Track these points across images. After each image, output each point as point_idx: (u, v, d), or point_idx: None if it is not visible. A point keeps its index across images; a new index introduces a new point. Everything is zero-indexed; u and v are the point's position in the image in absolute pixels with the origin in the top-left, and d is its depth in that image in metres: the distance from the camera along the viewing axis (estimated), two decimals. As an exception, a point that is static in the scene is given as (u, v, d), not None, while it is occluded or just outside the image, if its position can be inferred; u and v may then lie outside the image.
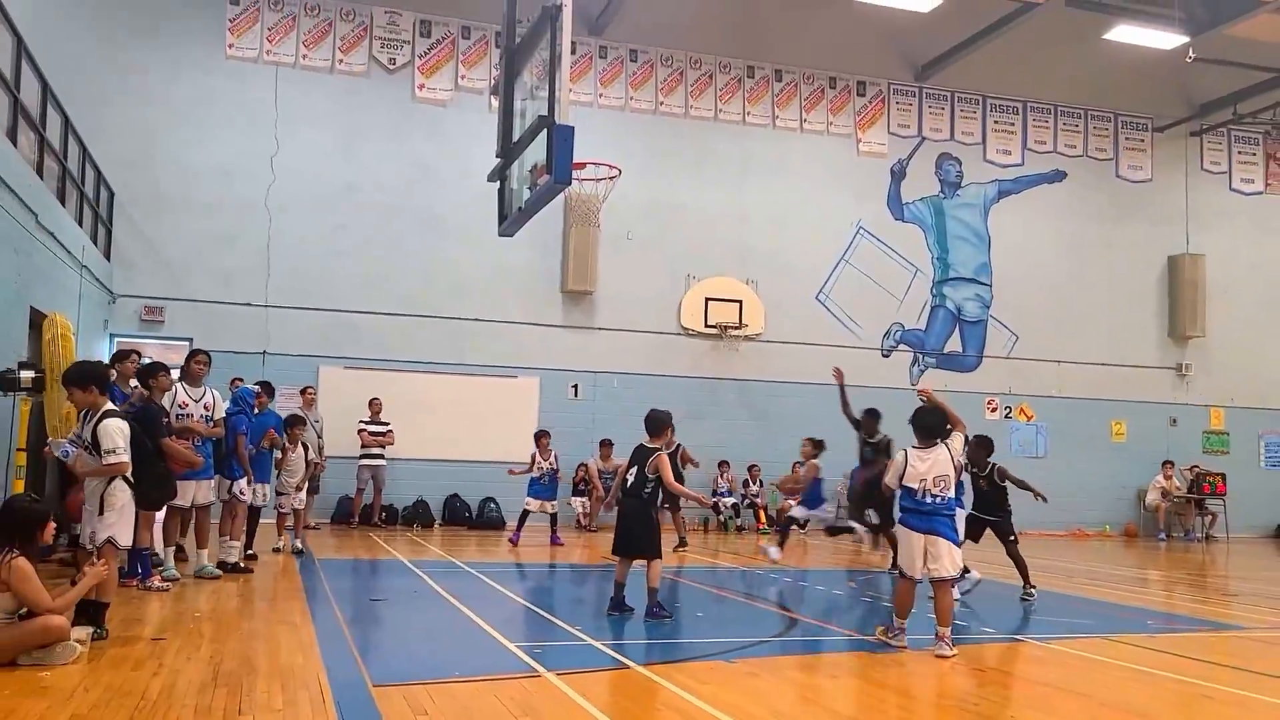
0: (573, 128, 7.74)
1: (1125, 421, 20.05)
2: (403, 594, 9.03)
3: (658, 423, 7.97)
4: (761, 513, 17.41)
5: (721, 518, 17.36)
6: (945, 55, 18.86)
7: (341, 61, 16.94)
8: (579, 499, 16.70)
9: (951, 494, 6.80)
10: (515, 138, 9.04)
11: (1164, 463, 19.72)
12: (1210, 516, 19.82)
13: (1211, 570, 14.15)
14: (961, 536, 8.06)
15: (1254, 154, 21.46)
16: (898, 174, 19.36)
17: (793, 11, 18.52)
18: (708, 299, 18.01)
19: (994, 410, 19.50)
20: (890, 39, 19.05)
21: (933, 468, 6.75)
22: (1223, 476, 19.80)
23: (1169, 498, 19.50)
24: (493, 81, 16.41)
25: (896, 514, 7.15)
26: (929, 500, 6.74)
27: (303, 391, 14.65)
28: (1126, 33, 17.32)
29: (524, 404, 17.17)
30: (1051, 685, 6.10)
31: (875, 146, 19.26)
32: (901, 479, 6.83)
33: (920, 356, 19.23)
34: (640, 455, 7.89)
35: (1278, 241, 21.33)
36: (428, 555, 12.16)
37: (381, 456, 15.77)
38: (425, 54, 17.32)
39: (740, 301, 18.06)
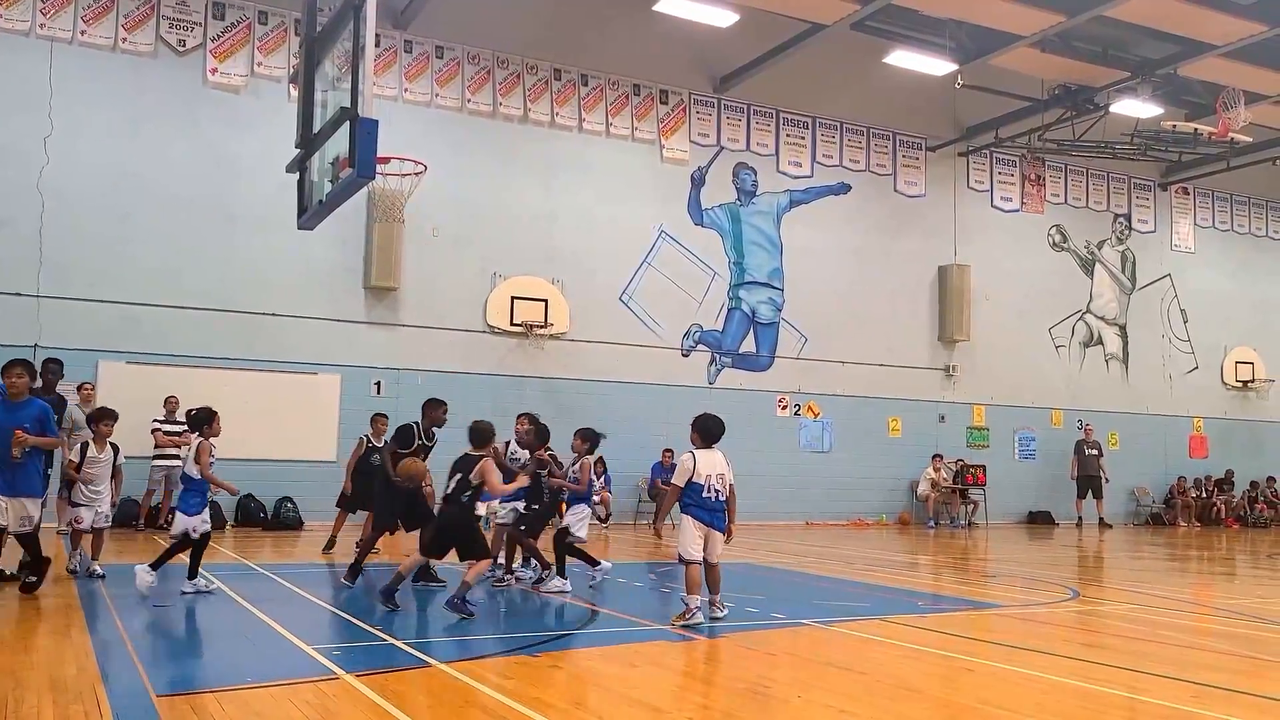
0: (376, 121, 7.49)
1: (900, 418, 21.33)
2: (190, 599, 8.52)
3: (482, 434, 8.11)
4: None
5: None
6: (742, 69, 19.52)
7: (125, 40, 15.81)
8: (381, 497, 16.23)
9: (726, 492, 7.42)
10: (316, 129, 8.68)
11: (933, 456, 21.12)
12: (973, 505, 21.38)
13: (973, 554, 15.24)
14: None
15: (1012, 175, 23.28)
16: (698, 181, 19.87)
17: (598, 18, 18.69)
18: (514, 297, 17.92)
19: (785, 408, 20.32)
20: (691, 51, 19.55)
21: (714, 466, 7.34)
22: (983, 468, 21.41)
23: (937, 488, 20.90)
24: (292, 70, 15.72)
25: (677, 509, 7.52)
26: (713, 497, 7.35)
27: (79, 388, 13.61)
28: (903, 58, 18.44)
29: (325, 401, 16.57)
30: (833, 664, 6.42)
31: (677, 153, 19.69)
32: (690, 478, 7.34)
33: (718, 356, 19.81)
34: (464, 464, 7.95)
35: (1032, 254, 23.24)
36: (219, 558, 11.52)
37: (177, 457, 14.84)
38: (218, 37, 16.41)
39: (546, 300, 18.07)
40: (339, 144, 7.87)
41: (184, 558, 8.52)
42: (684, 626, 7.11)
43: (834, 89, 20.87)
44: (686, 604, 7.31)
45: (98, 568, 9.04)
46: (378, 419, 12.91)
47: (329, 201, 8.50)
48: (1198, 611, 9.28)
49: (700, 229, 19.87)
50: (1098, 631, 8.16)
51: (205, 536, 8.48)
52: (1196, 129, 20.22)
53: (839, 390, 20.80)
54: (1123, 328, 24.22)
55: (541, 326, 17.96)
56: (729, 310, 20.04)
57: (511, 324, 17.87)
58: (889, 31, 18.56)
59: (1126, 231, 24.54)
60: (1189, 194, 25.35)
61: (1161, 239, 24.96)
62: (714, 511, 7.34)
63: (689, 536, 7.31)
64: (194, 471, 8.38)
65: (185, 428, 14.94)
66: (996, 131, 21.80)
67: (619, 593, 9.92)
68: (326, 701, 4.98)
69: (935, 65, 18.50)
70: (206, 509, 8.49)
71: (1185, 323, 24.88)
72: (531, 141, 18.45)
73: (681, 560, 7.44)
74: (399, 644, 6.48)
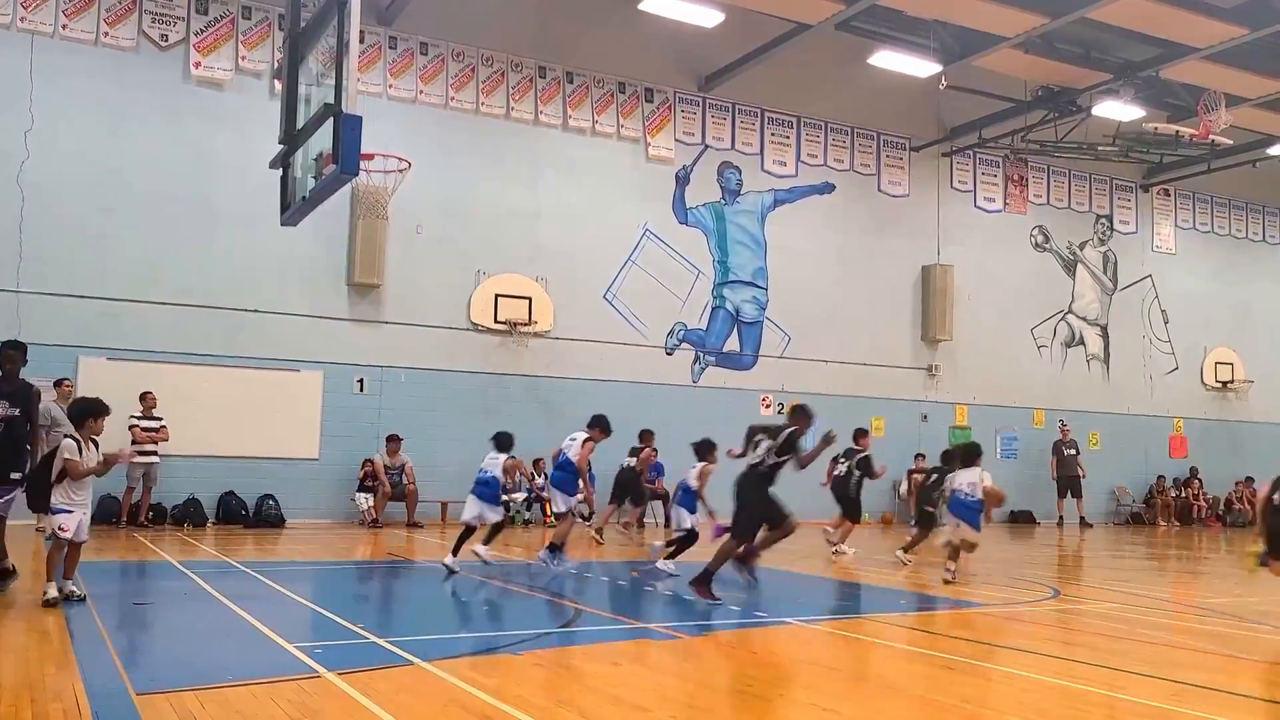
0: (360, 117, 7.46)
1: (884, 418, 21.39)
2: (171, 597, 8.47)
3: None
4: (548, 506, 17.43)
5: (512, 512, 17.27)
6: (727, 69, 19.53)
7: (107, 35, 15.68)
8: (364, 495, 16.19)
9: None
10: (299, 125, 8.64)
11: (916, 455, 21.19)
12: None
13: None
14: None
15: (995, 176, 23.39)
16: (682, 179, 19.88)
17: (583, 17, 18.67)
18: (498, 295, 17.88)
19: (768, 407, 20.35)
20: (676, 50, 19.54)
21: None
22: (965, 467, 21.50)
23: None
24: (275, 65, 15.62)
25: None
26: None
27: (58, 384, 13.49)
28: (887, 58, 18.48)
29: (306, 398, 16.50)
30: (816, 663, 6.44)
31: (662, 152, 19.69)
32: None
33: (701, 355, 19.83)
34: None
35: (1014, 255, 23.35)
36: (200, 555, 11.46)
37: (155, 453, 14.77)
38: (202, 32, 16.29)
39: (530, 298, 18.04)
40: (323, 140, 7.83)
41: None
42: (668, 626, 7.09)
43: (819, 89, 20.91)
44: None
45: (75, 588, 7.66)
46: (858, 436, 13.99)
47: (312, 198, 8.46)
48: (1176, 610, 9.35)
49: (684, 228, 19.88)
50: (1078, 630, 8.22)
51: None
52: (1178, 131, 20.36)
53: (822, 389, 20.81)
54: (1104, 328, 24.37)
55: (525, 324, 17.93)
56: (713, 309, 20.06)
57: (495, 321, 17.83)
58: (873, 32, 18.60)
59: (1108, 232, 24.69)
60: (1170, 196, 25.52)
61: (1143, 240, 25.13)
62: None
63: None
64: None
65: (162, 423, 14.95)
66: (980, 132, 21.89)
67: (601, 591, 9.92)
68: (308, 699, 4.97)
69: (919, 66, 18.56)
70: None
71: (1166, 323, 25.06)
72: (516, 139, 18.41)
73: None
74: (381, 642, 6.46)
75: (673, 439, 18.66)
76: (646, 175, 19.52)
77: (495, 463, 10.79)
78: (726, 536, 9.01)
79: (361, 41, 14.61)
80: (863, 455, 13.72)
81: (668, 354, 19.51)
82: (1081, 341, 24.00)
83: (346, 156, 7.40)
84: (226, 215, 16.03)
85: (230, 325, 16.06)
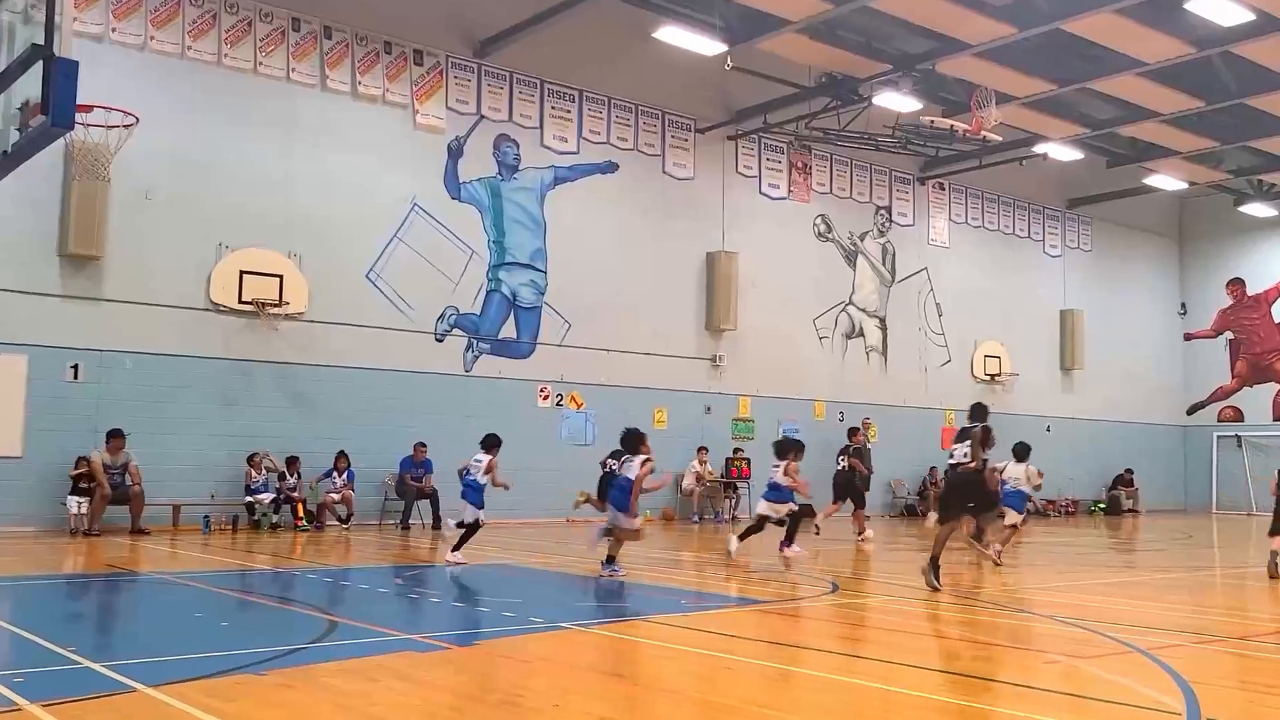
0: (76, 63, 6.94)
1: (666, 409, 21.92)
2: None
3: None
4: (300, 507, 16.77)
5: (256, 517, 16.52)
6: (506, 33, 19.36)
7: None
8: (77, 499, 14.99)
9: None
10: (1, 67, 7.93)
11: (699, 449, 21.86)
12: (735, 498, 22.29)
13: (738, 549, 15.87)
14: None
15: (780, 162, 24.41)
16: (455, 151, 19.56)
17: (346, -35, 18.02)
18: (243, 271, 16.99)
19: (546, 398, 20.41)
20: (449, 9, 19.20)
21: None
22: (748, 461, 22.36)
23: (703, 482, 21.65)
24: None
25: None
26: None
27: None
28: (673, 34, 18.85)
29: (8, 386, 15.10)
30: (593, 669, 6.50)
31: (433, 120, 19.29)
32: None
33: (474, 342, 19.62)
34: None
35: (798, 244, 24.47)
36: None
37: None
38: (-125, -52, 14.55)
39: (281, 276, 17.25)
40: (30, 87, 7.27)
41: None
42: (434, 636, 6.96)
43: (603, 62, 21.11)
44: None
45: None
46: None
47: (16, 153, 7.84)
48: (949, 600, 10.06)
49: (457, 203, 19.58)
50: (856, 625, 8.71)
51: None
52: (952, 125, 21.93)
53: (603, 380, 21.10)
54: (883, 320, 25.97)
55: (275, 305, 17.14)
56: (488, 292, 19.87)
57: (240, 302, 16.94)
58: (660, 6, 18.96)
59: (888, 224, 26.31)
60: (945, 189, 27.50)
61: (920, 233, 26.95)
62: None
63: None
64: None
65: None
66: (765, 117, 22.76)
67: (360, 600, 9.64)
68: (4, 740, 4.53)
69: (705, 45, 19.06)
70: None
71: (940, 316, 27.00)
72: (265, 97, 17.53)
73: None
74: (96, 667, 5.99)
75: (443, 432, 18.45)
76: (415, 145, 19.08)
77: (479, 466, 11.84)
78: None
79: (79, -26, 13.49)
80: (859, 449, 16.85)
81: (437, 340, 19.17)
82: (861, 333, 25.47)
83: (59, 107, 6.90)
84: (-95, 169, 14.42)
85: (-91, 300, 14.47)
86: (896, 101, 21.14)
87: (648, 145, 22.11)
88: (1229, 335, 31.59)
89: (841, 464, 16.84)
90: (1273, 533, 11.59)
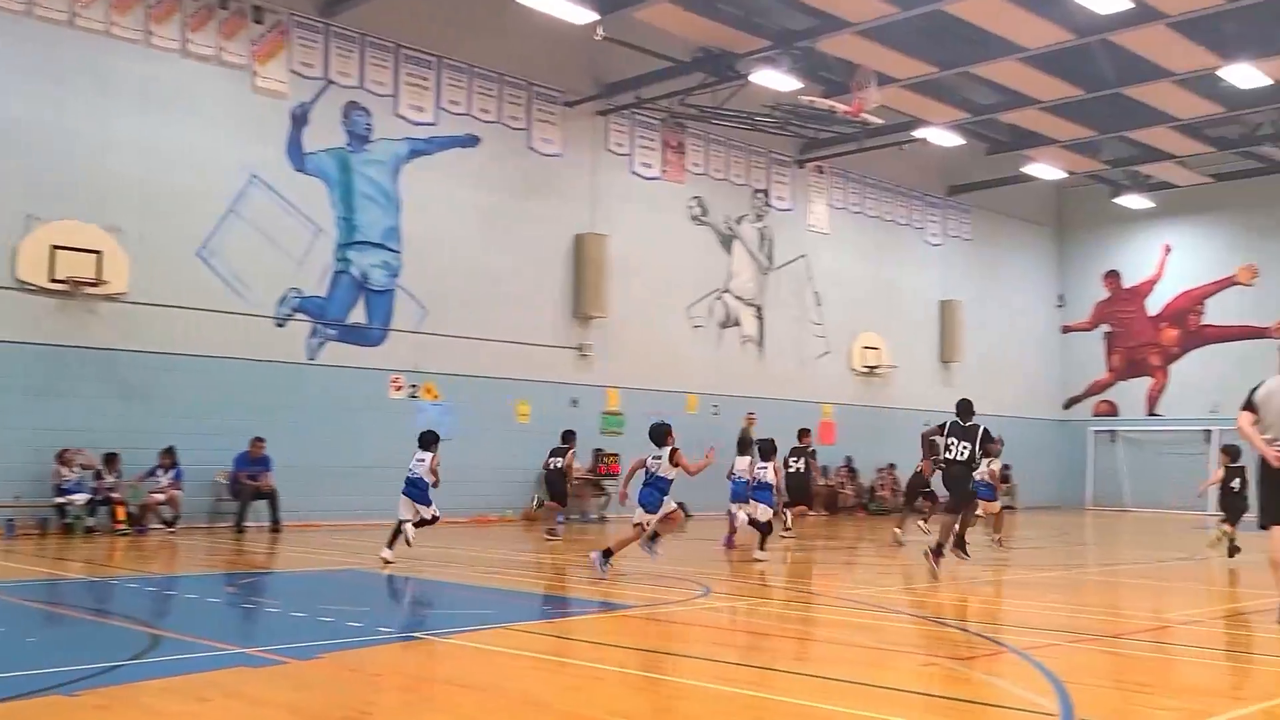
0: None
1: (530, 402, 21.82)
2: None
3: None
4: (120, 509, 16.11)
5: (67, 519, 15.81)
6: (356, -9, 18.94)
7: None
8: None
9: None
10: None
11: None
12: (605, 497, 22.35)
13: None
14: None
15: (654, 140, 24.54)
16: (299, 119, 19.02)
17: (177, -93, 17.32)
18: (55, 246, 16.20)
19: (399, 389, 20.07)
20: (294, -39, 18.68)
21: None
22: (617, 457, 22.45)
23: (569, 480, 21.60)
24: None
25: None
26: None
27: None
28: (539, 0, 18.69)
29: None
30: (450, 681, 6.42)
31: (274, 84, 18.71)
32: None
33: (319, 327, 19.14)
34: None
35: (672, 227, 24.64)
36: None
37: None
38: None
39: (100, 252, 16.52)
40: None
41: None
42: (271, 650, 6.77)
43: (464, 27, 20.82)
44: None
45: None
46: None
47: None
48: (822, 603, 10.31)
49: (301, 175, 19.05)
50: (728, 629, 8.83)
51: None
52: (832, 106, 22.40)
53: (462, 370, 20.86)
54: (759, 309, 26.39)
55: (93, 284, 16.41)
56: (335, 274, 19.41)
57: (52, 280, 16.17)
58: (526, -33, 18.81)
59: (765, 208, 26.74)
60: (823, 173, 28.09)
61: (798, 218, 27.47)
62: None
63: None
64: None
65: None
66: (638, 92, 22.82)
67: (187, 611, 9.32)
68: None
69: (573, 12, 18.96)
70: None
71: (819, 305, 27.58)
72: (80, 53, 16.72)
73: None
74: (-123, 694, 5.62)
75: (282, 426, 18.01)
76: (253, 111, 18.50)
77: (422, 464, 12.65)
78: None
79: None
80: (810, 451, 17.72)
81: (278, 325, 18.64)
82: (737, 322, 25.84)
83: None
84: None
85: None
86: (775, 80, 21.47)
87: (512, 118, 21.93)
88: (1105, 328, 33.26)
89: (795, 465, 17.43)
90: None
